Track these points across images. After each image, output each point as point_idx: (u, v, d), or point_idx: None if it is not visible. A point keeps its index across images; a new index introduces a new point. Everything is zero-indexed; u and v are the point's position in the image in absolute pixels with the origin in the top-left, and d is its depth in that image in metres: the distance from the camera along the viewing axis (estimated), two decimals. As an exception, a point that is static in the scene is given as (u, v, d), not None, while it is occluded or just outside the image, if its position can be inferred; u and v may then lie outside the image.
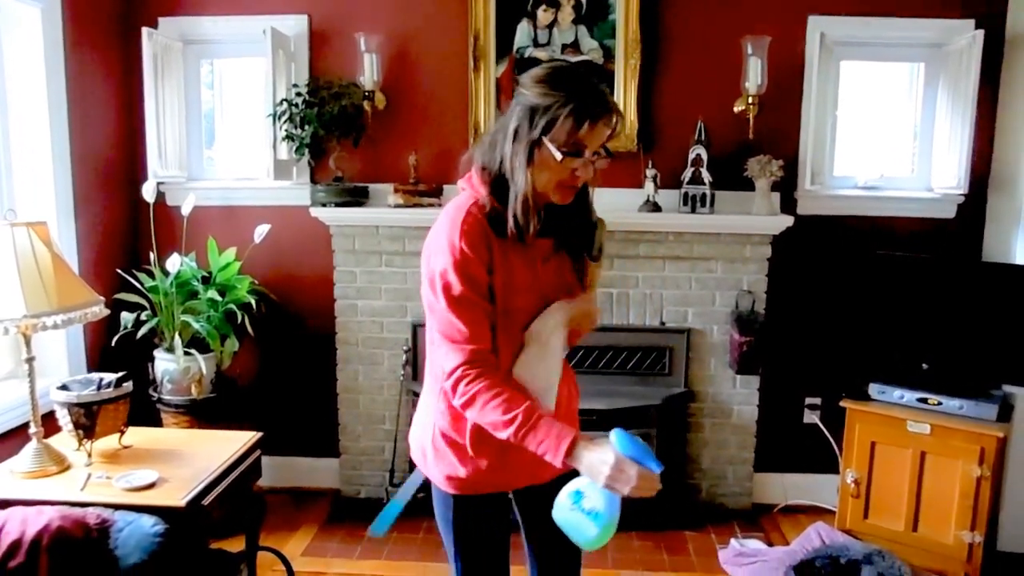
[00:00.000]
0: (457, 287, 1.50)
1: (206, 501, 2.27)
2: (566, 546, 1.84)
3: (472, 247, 1.50)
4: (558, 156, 1.48)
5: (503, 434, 1.48)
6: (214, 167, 3.62)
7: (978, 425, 2.93)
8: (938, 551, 2.99)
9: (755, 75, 3.18)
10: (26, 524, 1.86)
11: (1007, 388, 3.11)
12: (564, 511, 1.51)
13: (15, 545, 1.80)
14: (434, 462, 1.68)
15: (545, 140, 1.48)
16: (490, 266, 1.53)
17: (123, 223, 3.45)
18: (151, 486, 2.24)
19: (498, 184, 1.54)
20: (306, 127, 3.18)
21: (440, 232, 1.55)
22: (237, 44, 3.46)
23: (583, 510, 1.47)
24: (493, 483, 1.68)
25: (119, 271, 3.24)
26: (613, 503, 1.44)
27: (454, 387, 1.52)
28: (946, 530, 2.98)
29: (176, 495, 2.19)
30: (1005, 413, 3.00)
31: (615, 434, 1.45)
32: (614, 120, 1.51)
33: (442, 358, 1.55)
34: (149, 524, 2.03)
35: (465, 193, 1.60)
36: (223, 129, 3.67)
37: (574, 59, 3.31)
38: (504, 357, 1.60)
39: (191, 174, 3.53)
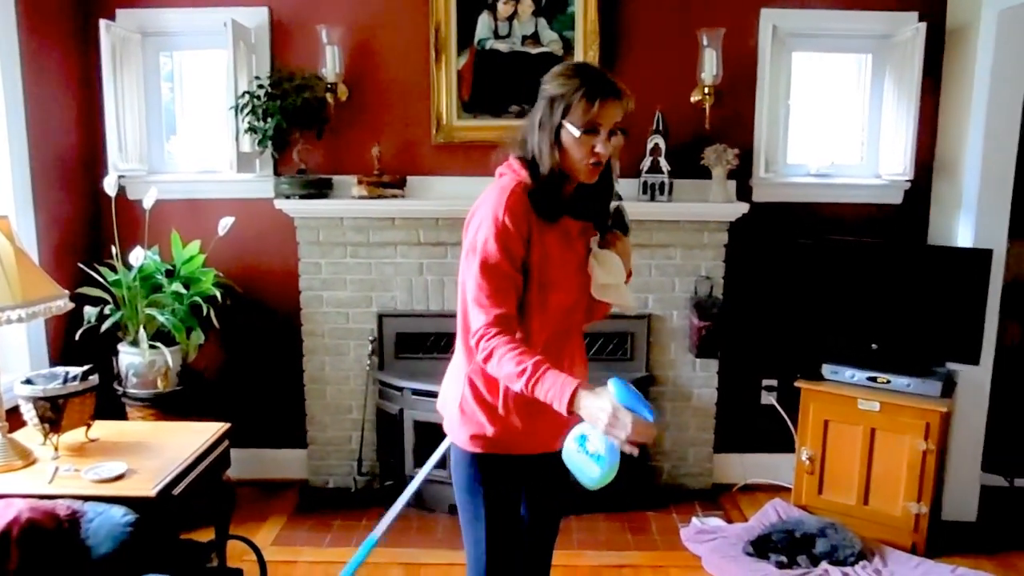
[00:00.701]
0: (495, 256, 1.65)
1: (176, 491, 2.29)
2: (553, 512, 2.01)
3: (514, 222, 1.66)
4: (576, 134, 1.67)
5: (517, 385, 1.61)
6: (174, 160, 3.61)
7: (924, 401, 3.06)
8: (887, 522, 3.13)
9: (711, 66, 3.27)
10: (-4, 516, 1.87)
11: (951, 366, 3.25)
12: (571, 453, 1.65)
13: (-15, 537, 1.82)
14: (460, 423, 1.79)
15: (565, 123, 1.68)
16: (528, 241, 1.69)
17: (83, 217, 3.43)
18: (120, 477, 2.26)
19: (533, 169, 1.73)
20: (269, 119, 3.19)
21: (486, 207, 1.71)
22: (196, 36, 3.44)
23: (587, 453, 1.61)
24: (515, 445, 1.80)
25: (81, 265, 3.21)
26: (613, 447, 1.57)
27: (476, 343, 1.66)
28: (895, 502, 3.12)
29: (146, 485, 2.21)
30: (948, 389, 3.14)
31: (612, 383, 1.56)
32: (624, 100, 1.69)
33: (471, 321, 1.69)
34: (119, 514, 2.05)
35: (508, 176, 1.76)
36: (183, 122, 3.64)
37: (534, 51, 3.36)
38: (537, 332, 1.75)
39: (152, 167, 3.52)
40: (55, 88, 3.23)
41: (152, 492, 2.19)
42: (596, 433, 1.57)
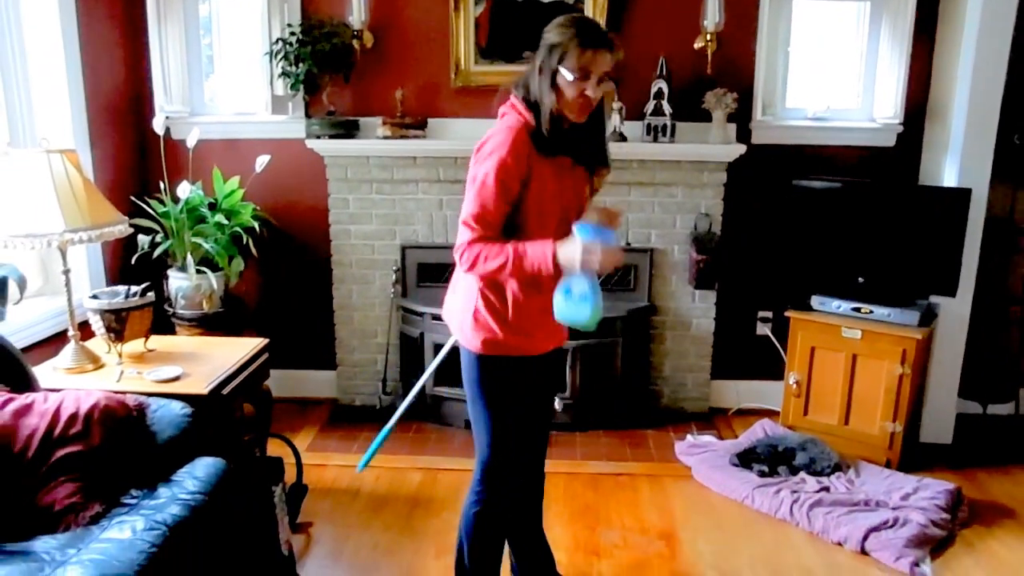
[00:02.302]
0: (491, 188, 1.90)
1: (224, 391, 2.65)
2: (546, 404, 2.33)
3: (515, 160, 1.90)
4: (570, 77, 1.88)
5: (505, 274, 1.91)
6: (213, 103, 3.89)
7: (902, 330, 3.31)
8: (865, 440, 3.42)
9: (713, 13, 3.45)
10: (79, 401, 2.21)
11: (932, 298, 3.49)
12: (561, 305, 1.93)
13: (73, 417, 2.16)
14: (473, 331, 2.06)
15: (561, 68, 1.89)
16: (527, 178, 1.93)
17: (131, 155, 3.74)
18: (177, 379, 2.61)
19: (535, 109, 1.94)
20: (300, 65, 3.45)
21: (493, 143, 1.93)
22: (232, -15, 3.69)
23: (574, 299, 1.89)
24: (519, 348, 2.08)
25: (133, 198, 3.53)
26: (594, 286, 1.87)
27: (461, 255, 1.93)
28: (872, 422, 3.40)
29: (199, 385, 2.56)
30: (927, 319, 3.38)
31: (576, 229, 1.86)
32: (614, 52, 1.92)
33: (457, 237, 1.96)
34: (178, 407, 2.39)
35: (512, 116, 1.98)
36: (220, 66, 3.92)
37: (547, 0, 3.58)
38: None
39: (193, 109, 3.81)
40: (106, 35, 3.51)
41: (205, 391, 2.54)
42: (575, 278, 1.87)
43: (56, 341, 3.06)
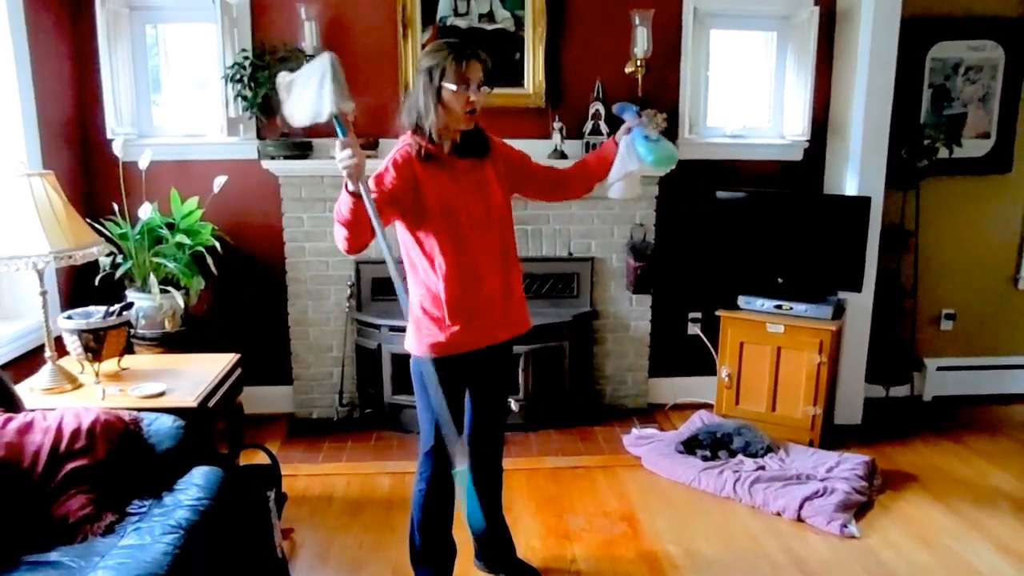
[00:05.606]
0: (386, 168, 2.18)
1: (211, 403, 2.73)
2: (498, 396, 2.53)
3: (396, 168, 2.17)
4: (454, 88, 2.14)
5: (338, 215, 2.15)
6: (160, 125, 3.92)
7: (818, 323, 3.72)
8: (790, 424, 3.80)
9: (642, 41, 3.79)
10: (80, 417, 2.27)
11: (841, 294, 3.92)
12: (652, 148, 2.42)
13: (76, 432, 2.21)
14: (416, 336, 2.29)
15: (444, 84, 2.14)
16: (415, 184, 2.17)
17: (81, 177, 3.73)
18: (162, 394, 2.68)
19: (422, 130, 2.19)
20: (258, 88, 3.55)
21: (392, 153, 2.23)
22: (180, 10, 3.76)
23: (655, 139, 2.44)
24: (464, 343, 2.29)
25: (89, 220, 3.52)
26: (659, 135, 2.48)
27: None
28: (796, 407, 3.79)
29: (187, 398, 2.65)
30: (838, 313, 3.81)
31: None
32: (483, 61, 2.18)
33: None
34: (170, 421, 2.47)
35: (406, 141, 2.24)
36: (168, 89, 3.95)
37: (489, 27, 3.82)
38: (447, 251, 2.21)
39: (141, 131, 3.83)
40: (55, 61, 3.51)
41: (194, 403, 2.63)
42: (637, 131, 2.43)
43: (20, 363, 3.05)
